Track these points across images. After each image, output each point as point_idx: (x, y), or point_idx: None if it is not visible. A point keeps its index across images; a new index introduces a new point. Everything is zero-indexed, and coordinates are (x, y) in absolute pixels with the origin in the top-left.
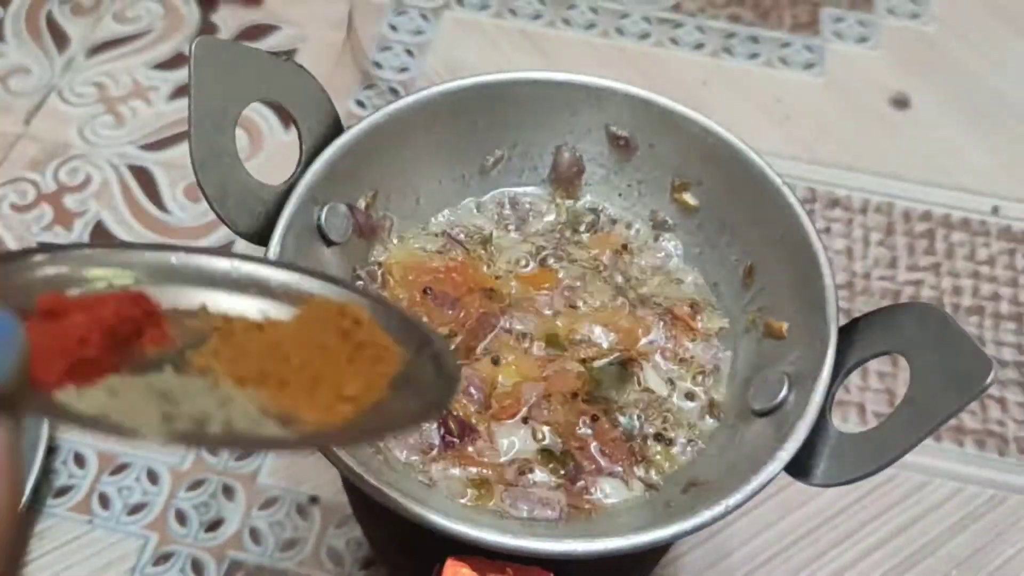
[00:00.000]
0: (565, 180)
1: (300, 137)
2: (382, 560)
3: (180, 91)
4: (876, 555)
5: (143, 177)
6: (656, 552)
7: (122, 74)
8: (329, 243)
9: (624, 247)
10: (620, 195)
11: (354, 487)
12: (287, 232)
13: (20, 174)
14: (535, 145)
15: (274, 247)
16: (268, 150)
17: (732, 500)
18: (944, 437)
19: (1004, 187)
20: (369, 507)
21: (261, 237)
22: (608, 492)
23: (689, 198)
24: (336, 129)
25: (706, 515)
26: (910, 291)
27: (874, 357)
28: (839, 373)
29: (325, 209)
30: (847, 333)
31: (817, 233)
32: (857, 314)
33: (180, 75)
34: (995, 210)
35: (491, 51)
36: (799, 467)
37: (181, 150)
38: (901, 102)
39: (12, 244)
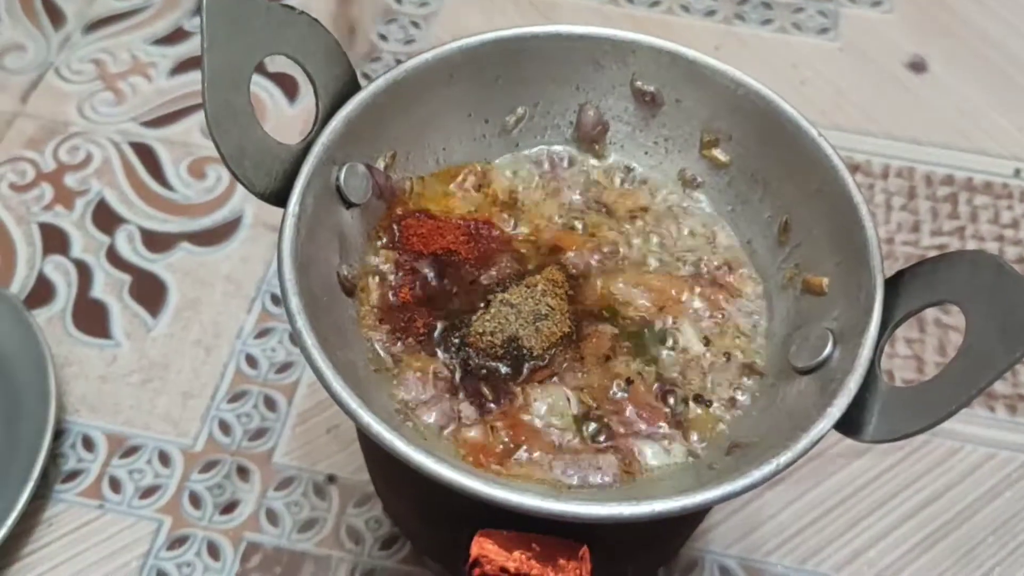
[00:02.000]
0: (590, 139)
1: (316, 94)
2: (405, 535)
3: (181, 67)
4: (910, 523)
5: (145, 154)
6: (694, 520)
7: (121, 50)
8: (349, 204)
9: (644, 209)
10: (647, 153)
11: (376, 459)
12: (305, 192)
13: (18, 153)
14: (557, 103)
15: (292, 207)
16: (272, 122)
17: (784, 458)
18: (975, 403)
19: None
20: (393, 479)
21: (279, 198)
22: (649, 456)
23: (719, 154)
24: (353, 86)
25: (756, 475)
26: (934, 255)
27: (924, 308)
28: (887, 326)
29: (344, 169)
30: (892, 285)
31: (856, 184)
32: None
33: (180, 50)
34: (1017, 172)
35: (499, 20)
36: (849, 424)
37: (184, 126)
38: (918, 65)
39: (11, 225)
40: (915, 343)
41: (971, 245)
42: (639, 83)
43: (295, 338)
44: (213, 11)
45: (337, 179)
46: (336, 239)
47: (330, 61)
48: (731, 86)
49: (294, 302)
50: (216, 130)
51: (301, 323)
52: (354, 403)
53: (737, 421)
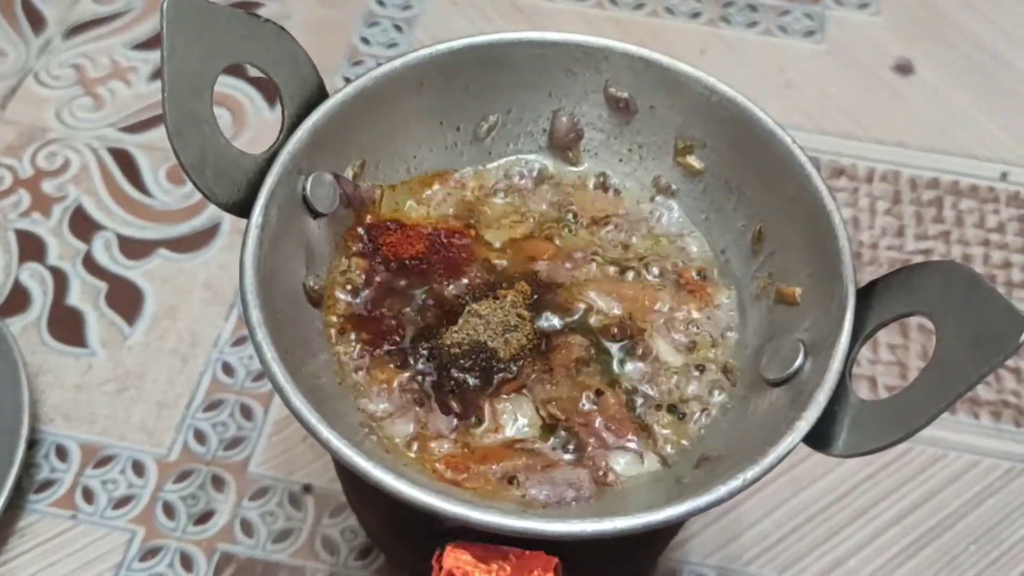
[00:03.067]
0: (563, 146)
1: (282, 103)
2: (379, 548)
3: (160, 72)
4: (892, 531)
5: (124, 160)
6: (666, 533)
7: (100, 55)
8: (316, 214)
9: (616, 216)
10: (621, 160)
11: (346, 473)
12: (270, 203)
13: None
14: (530, 110)
15: (256, 218)
16: (253, 128)
17: (750, 473)
18: (959, 409)
19: (1012, 153)
20: (363, 492)
21: (243, 208)
22: (621, 467)
23: (693, 161)
24: (320, 95)
25: (722, 490)
26: (919, 260)
27: (896, 319)
28: (858, 337)
29: (310, 179)
30: (865, 296)
31: (830, 193)
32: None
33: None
34: (1004, 176)
35: (482, 24)
36: (819, 437)
37: (163, 132)
38: (905, 68)
39: None
40: (898, 349)
41: (956, 249)
42: (612, 90)
43: (255, 351)
44: (174, 19)
45: (303, 189)
46: (302, 250)
47: (297, 69)
48: (705, 92)
49: (255, 315)
50: (176, 139)
51: (261, 336)
52: (313, 418)
53: (707, 433)
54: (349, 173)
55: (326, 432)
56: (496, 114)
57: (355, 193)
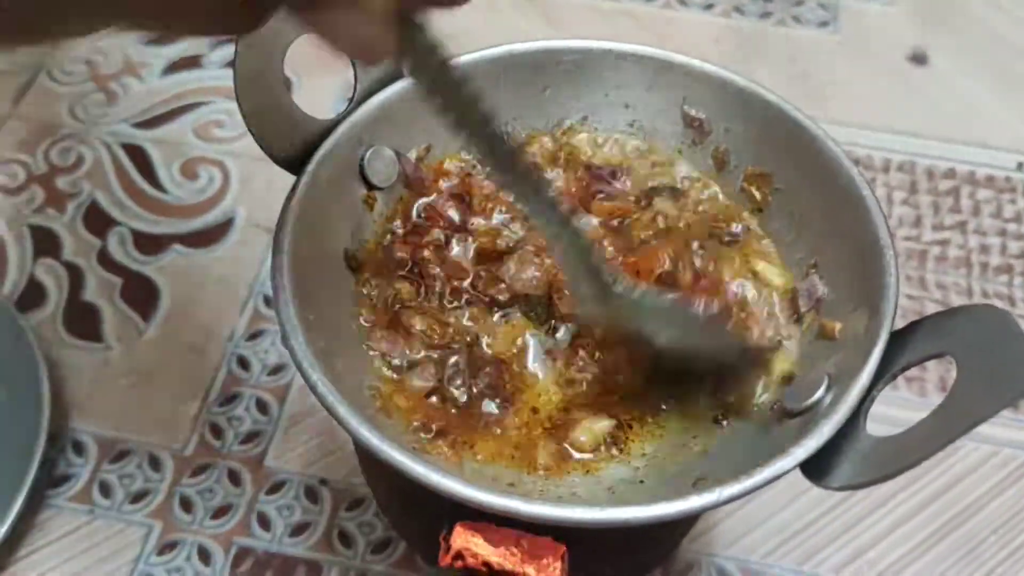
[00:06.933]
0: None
1: (355, 76)
2: (393, 527)
3: (173, 67)
4: (912, 522)
5: (137, 155)
6: (673, 527)
7: (113, 51)
8: (371, 186)
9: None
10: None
11: (362, 450)
12: (323, 163)
13: (9, 155)
14: (606, 120)
15: (305, 177)
16: None
17: (727, 491)
18: None
19: None
20: (378, 468)
21: (295, 166)
22: None
23: (758, 191)
24: (396, 73)
25: (695, 501)
26: (936, 251)
27: (923, 360)
28: (884, 375)
29: (370, 151)
30: (898, 336)
31: (888, 230)
32: None
33: (172, 51)
34: (1020, 166)
35: (493, 16)
36: (818, 469)
37: (176, 127)
38: (919, 58)
39: (2, 227)
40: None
41: (973, 240)
42: (688, 108)
43: (273, 293)
44: None
45: (361, 159)
46: (351, 217)
47: None
48: (780, 118)
49: (283, 261)
50: (241, 89)
51: (283, 280)
52: (315, 375)
53: (718, 459)
54: (413, 155)
55: (325, 391)
56: (570, 120)
57: (415, 174)
